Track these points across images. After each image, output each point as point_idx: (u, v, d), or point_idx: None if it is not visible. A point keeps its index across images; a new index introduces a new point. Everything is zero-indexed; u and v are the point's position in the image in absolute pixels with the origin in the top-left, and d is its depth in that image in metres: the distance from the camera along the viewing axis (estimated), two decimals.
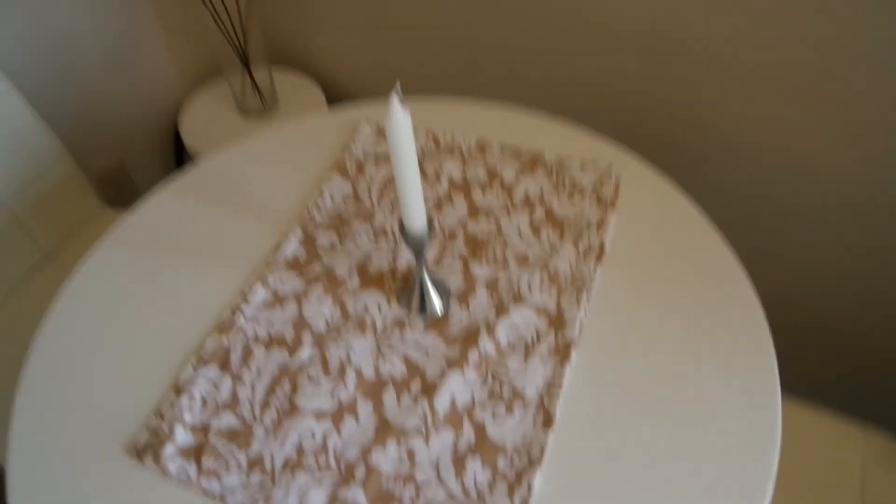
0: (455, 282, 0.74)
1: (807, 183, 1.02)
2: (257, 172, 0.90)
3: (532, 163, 0.88)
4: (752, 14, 0.91)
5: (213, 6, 1.23)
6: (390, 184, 0.86)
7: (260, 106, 1.41)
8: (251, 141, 0.95)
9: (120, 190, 1.43)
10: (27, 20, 1.17)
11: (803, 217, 1.06)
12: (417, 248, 0.66)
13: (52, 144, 1.11)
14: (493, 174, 0.87)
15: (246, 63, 1.35)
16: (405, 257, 0.77)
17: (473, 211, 0.82)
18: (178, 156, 1.56)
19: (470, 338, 0.69)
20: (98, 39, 1.29)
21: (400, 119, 0.55)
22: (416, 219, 0.62)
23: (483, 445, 0.61)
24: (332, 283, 0.74)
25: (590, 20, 1.05)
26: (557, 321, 0.70)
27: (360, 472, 0.59)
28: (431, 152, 0.91)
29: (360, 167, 0.89)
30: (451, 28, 1.22)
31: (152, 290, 0.75)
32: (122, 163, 1.44)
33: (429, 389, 0.65)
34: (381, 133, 0.93)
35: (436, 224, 0.81)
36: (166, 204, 0.86)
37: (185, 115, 1.43)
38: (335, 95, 1.54)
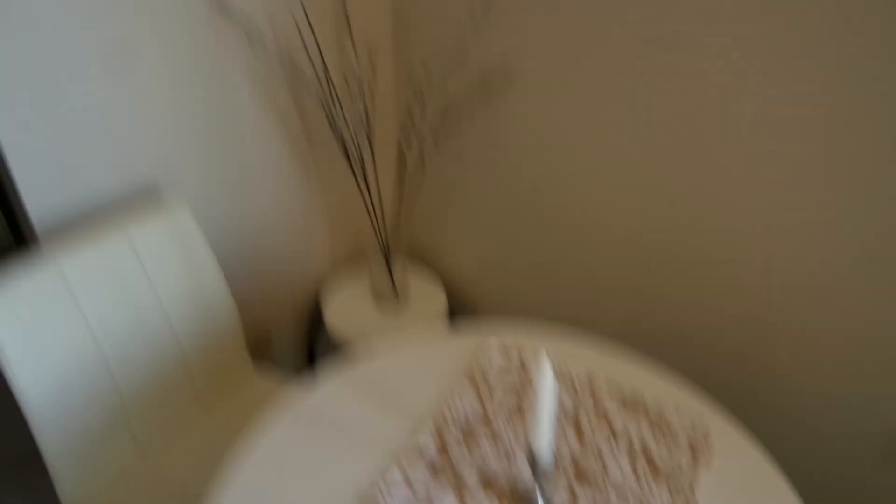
0: None
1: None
2: (402, 374, 1.08)
3: (633, 402, 1.02)
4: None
5: (372, 207, 1.52)
6: (516, 410, 1.02)
7: (392, 295, 1.65)
8: (398, 345, 1.15)
9: (260, 346, 1.67)
10: (231, 204, 1.48)
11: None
12: (540, 477, 0.80)
13: (228, 304, 1.36)
14: (599, 409, 1.01)
15: (387, 257, 1.61)
16: (524, 475, 0.90)
17: (582, 442, 0.96)
18: (314, 323, 1.80)
19: None
20: (275, 218, 1.60)
21: (549, 378, 0.72)
22: (545, 454, 0.77)
23: None
24: (458, 484, 0.89)
25: (701, 298, 1.24)
26: None
27: None
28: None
29: (487, 381, 1.06)
30: (568, 268, 1.44)
31: (308, 462, 0.92)
32: (267, 323, 1.69)
33: None
34: (506, 352, 1.11)
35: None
36: (329, 390, 1.05)
37: (327, 291, 1.69)
38: (455, 298, 1.78)
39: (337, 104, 1.40)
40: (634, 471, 0.92)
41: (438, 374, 1.08)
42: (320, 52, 1.44)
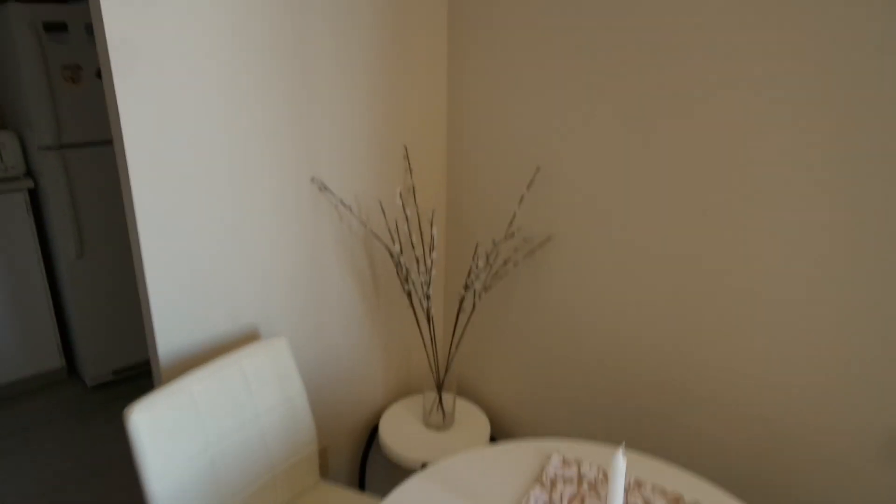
0: None
1: None
2: (476, 477, 1.30)
3: (675, 501, 1.22)
4: None
5: (433, 346, 1.80)
6: (576, 499, 1.23)
7: (441, 423, 1.89)
8: (468, 453, 1.37)
9: (320, 461, 1.90)
10: (312, 340, 1.78)
11: None
12: None
13: (309, 421, 1.62)
14: None
15: (439, 389, 1.87)
16: None
17: None
18: (367, 444, 2.03)
19: None
20: (345, 353, 1.89)
21: (620, 469, 0.96)
22: None
23: None
24: None
25: (733, 435, 1.46)
26: None
27: None
28: (601, 482, 1.29)
29: (553, 483, 1.28)
30: (602, 397, 1.68)
31: None
32: (328, 440, 1.93)
33: None
34: (566, 462, 1.32)
35: None
36: (412, 490, 1.27)
37: (382, 416, 1.93)
38: (497, 426, 2.01)
39: (405, 262, 1.74)
40: None
41: (508, 478, 1.30)
42: (399, 224, 1.81)
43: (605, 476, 1.31)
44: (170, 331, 1.49)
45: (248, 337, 1.64)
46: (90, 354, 2.91)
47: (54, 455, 2.53)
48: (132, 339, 3.01)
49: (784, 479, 1.37)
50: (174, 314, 1.48)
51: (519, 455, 1.37)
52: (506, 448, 1.39)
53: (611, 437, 1.70)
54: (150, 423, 1.27)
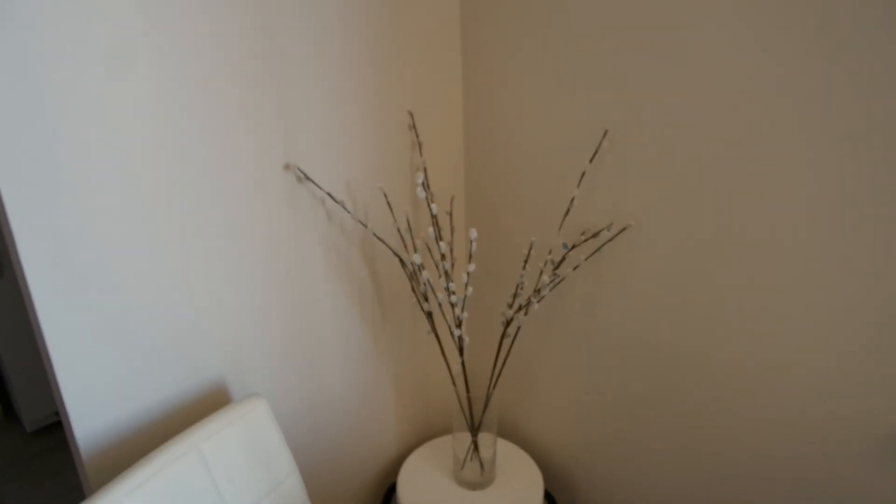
0: None
1: None
2: None
3: None
4: None
5: (464, 377, 1.33)
6: None
7: (479, 478, 1.42)
8: None
9: None
10: (298, 378, 1.30)
11: None
12: None
13: (294, 475, 1.15)
14: None
15: (475, 433, 1.40)
16: None
17: None
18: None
19: None
20: (342, 396, 1.41)
21: None
22: None
23: None
24: None
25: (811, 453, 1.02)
26: None
27: None
28: None
29: None
30: (675, 440, 1.23)
31: None
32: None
33: None
34: None
35: None
36: None
37: (402, 475, 1.46)
38: (550, 475, 1.55)
39: (426, 275, 1.25)
40: None
41: None
42: (407, 220, 1.32)
43: None
44: (89, 404, 0.99)
45: (212, 398, 1.15)
46: (26, 394, 2.38)
47: None
48: None
49: None
50: (95, 377, 0.98)
51: None
52: None
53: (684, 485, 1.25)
54: None
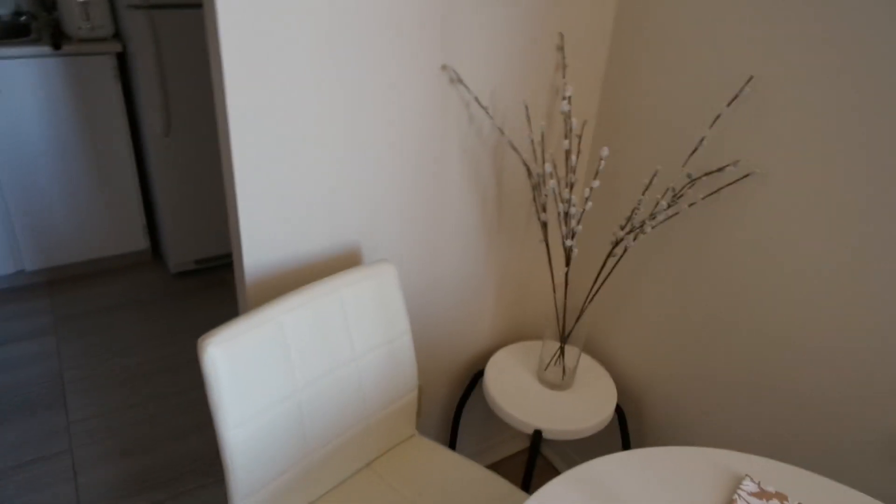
0: None
1: None
2: (637, 490, 0.99)
3: None
4: None
5: (565, 290, 1.46)
6: None
7: (559, 380, 1.58)
8: (623, 455, 1.05)
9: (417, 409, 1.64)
10: (422, 266, 1.47)
11: None
12: None
13: (413, 374, 1.34)
14: None
15: (563, 340, 1.55)
16: None
17: None
18: (467, 391, 1.76)
19: None
20: (456, 285, 1.58)
21: None
22: None
23: None
24: None
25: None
26: None
27: None
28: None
29: None
30: (751, 386, 1.31)
31: None
32: (421, 384, 1.66)
33: None
34: (764, 493, 0.98)
35: None
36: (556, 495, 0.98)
37: (491, 364, 1.64)
38: (624, 394, 1.68)
39: (551, 186, 1.37)
40: None
41: (684, 498, 0.98)
42: (542, 133, 1.43)
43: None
44: (259, 242, 1.20)
45: (347, 258, 1.35)
46: (174, 240, 2.74)
47: (129, 344, 2.42)
48: (216, 230, 2.82)
49: None
50: (265, 222, 1.19)
51: (693, 467, 1.04)
52: (672, 453, 1.07)
53: (775, 448, 1.34)
54: (229, 358, 1.01)
